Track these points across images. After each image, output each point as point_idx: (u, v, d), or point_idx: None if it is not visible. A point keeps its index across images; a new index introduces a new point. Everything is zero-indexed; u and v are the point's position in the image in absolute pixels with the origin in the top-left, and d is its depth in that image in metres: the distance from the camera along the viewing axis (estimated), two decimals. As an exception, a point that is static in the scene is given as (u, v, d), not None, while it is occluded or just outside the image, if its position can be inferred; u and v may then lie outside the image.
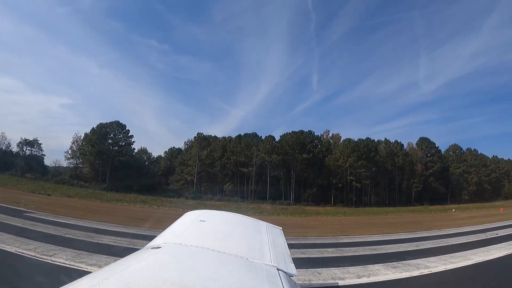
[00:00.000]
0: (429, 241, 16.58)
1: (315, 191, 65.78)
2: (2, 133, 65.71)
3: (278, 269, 2.37)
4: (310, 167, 66.91)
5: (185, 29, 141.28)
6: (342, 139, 79.36)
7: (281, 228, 4.17)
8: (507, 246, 14.54)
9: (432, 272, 9.50)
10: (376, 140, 76.14)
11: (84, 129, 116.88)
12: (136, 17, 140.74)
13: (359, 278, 8.18)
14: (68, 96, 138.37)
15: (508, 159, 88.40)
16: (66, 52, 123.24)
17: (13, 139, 79.67)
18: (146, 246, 2.62)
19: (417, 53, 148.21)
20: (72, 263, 8.33)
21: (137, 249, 2.50)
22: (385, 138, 77.72)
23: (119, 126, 67.39)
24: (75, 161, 67.63)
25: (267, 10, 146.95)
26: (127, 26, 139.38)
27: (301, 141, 68.34)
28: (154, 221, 20.22)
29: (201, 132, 73.15)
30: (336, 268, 9.11)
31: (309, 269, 8.61)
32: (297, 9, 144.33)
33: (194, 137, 71.84)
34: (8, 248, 9.51)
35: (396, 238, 18.33)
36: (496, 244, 15.37)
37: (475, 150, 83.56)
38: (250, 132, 74.63)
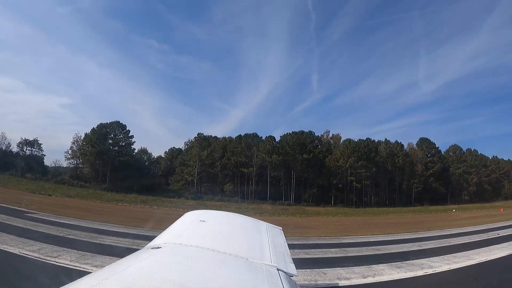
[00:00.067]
0: (432, 241, 16.61)
1: (316, 192, 65.79)
2: (2, 133, 65.71)
3: (278, 269, 2.37)
4: (310, 168, 66.93)
5: (185, 29, 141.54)
6: (342, 140, 79.53)
7: (281, 228, 4.17)
8: (509, 246, 14.59)
9: (436, 271, 9.53)
10: (376, 141, 76.29)
11: (84, 129, 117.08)
12: (136, 17, 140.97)
13: (364, 278, 8.20)
14: (68, 96, 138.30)
15: (508, 159, 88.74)
16: (66, 51, 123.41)
17: (13, 139, 79.66)
18: (146, 246, 2.62)
19: (417, 53, 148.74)
20: (77, 264, 8.29)
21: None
22: (385, 139, 77.91)
23: (119, 126, 67.33)
24: (75, 161, 67.56)
25: (267, 10, 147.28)
26: (127, 26, 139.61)
27: (301, 141, 68.37)
28: (155, 222, 20.19)
29: (201, 132, 73.20)
30: (341, 268, 9.12)
31: (314, 270, 8.62)
32: (297, 9, 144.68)
33: (195, 137, 71.84)
34: (11, 249, 9.46)
35: (398, 238, 18.35)
36: (498, 244, 15.43)
37: (475, 151, 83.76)
38: (250, 133, 74.76)
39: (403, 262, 10.61)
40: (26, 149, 64.90)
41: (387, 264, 10.12)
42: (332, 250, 13.03)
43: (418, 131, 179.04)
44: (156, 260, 2.07)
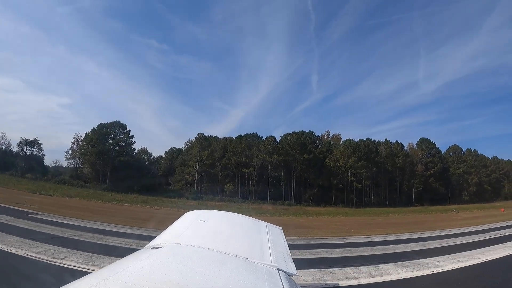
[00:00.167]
0: (435, 241, 16.67)
1: (316, 192, 65.84)
2: (2, 133, 65.59)
3: (278, 269, 2.37)
4: (310, 168, 66.98)
5: (184, 29, 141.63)
6: (342, 140, 79.61)
7: (281, 228, 4.18)
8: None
9: (443, 270, 9.57)
10: (376, 141, 76.39)
11: (84, 129, 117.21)
12: (136, 16, 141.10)
13: (372, 277, 8.21)
14: (68, 95, 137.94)
15: (508, 159, 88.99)
16: (66, 51, 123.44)
17: (13, 139, 79.60)
18: (146, 246, 2.62)
19: (417, 53, 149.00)
20: (85, 266, 8.20)
21: None
22: (386, 139, 78.00)
23: (119, 126, 67.26)
24: (75, 161, 67.47)
25: (267, 10, 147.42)
26: (127, 25, 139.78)
27: (301, 141, 68.42)
28: (158, 222, 20.15)
29: (201, 132, 73.17)
30: (348, 268, 9.14)
31: (322, 269, 8.64)
32: (297, 9, 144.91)
33: (195, 138, 71.83)
34: (17, 251, 9.35)
35: (401, 238, 18.38)
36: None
37: (475, 151, 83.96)
38: (251, 133, 74.80)
39: (409, 261, 10.63)
40: (26, 149, 64.85)
41: (393, 263, 10.14)
42: (337, 250, 13.04)
43: (418, 131, 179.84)
44: (156, 260, 2.06)
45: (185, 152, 73.76)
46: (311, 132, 73.63)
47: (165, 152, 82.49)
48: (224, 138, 75.53)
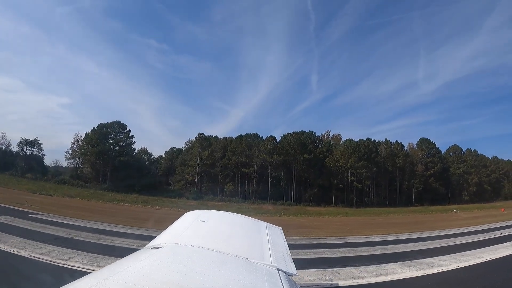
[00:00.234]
0: (437, 241, 16.71)
1: (316, 192, 65.84)
2: (2, 133, 65.48)
3: (278, 269, 2.38)
4: (311, 168, 66.99)
5: (184, 29, 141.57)
6: (342, 140, 79.64)
7: (281, 228, 4.19)
8: (514, 245, 14.69)
9: (447, 269, 9.61)
10: (376, 141, 76.40)
11: (83, 129, 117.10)
12: (136, 16, 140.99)
13: (377, 276, 8.24)
14: (68, 95, 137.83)
15: (508, 159, 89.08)
16: (66, 51, 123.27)
17: (13, 139, 79.61)
18: (146, 246, 2.63)
19: (417, 54, 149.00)
20: (90, 267, 8.11)
21: None
22: (386, 139, 78.04)
23: (120, 126, 67.18)
24: (75, 161, 67.37)
25: (267, 10, 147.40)
26: (127, 25, 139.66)
27: (302, 141, 68.42)
28: (160, 222, 20.11)
29: (201, 132, 73.11)
30: (353, 267, 9.16)
31: (327, 269, 8.65)
32: (297, 9, 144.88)
33: (195, 137, 71.77)
34: (21, 253, 9.27)
35: (403, 238, 18.41)
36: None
37: (475, 151, 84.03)
38: (251, 133, 74.76)
39: (413, 261, 10.66)
40: (26, 149, 64.73)
41: (397, 263, 10.17)
42: (340, 250, 13.07)
43: (418, 131, 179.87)
44: (156, 260, 2.07)
45: (185, 152, 73.72)
46: (311, 132, 73.71)
47: (165, 152, 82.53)
48: (225, 138, 75.50)
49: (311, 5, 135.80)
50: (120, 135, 67.34)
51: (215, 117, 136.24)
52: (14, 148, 65.47)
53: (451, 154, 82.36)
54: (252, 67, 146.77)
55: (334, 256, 11.69)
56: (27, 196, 30.72)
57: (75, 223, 17.29)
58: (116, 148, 66.70)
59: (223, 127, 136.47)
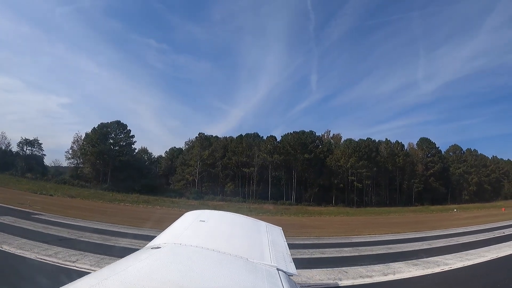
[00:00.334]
0: (440, 240, 16.74)
1: (317, 191, 65.93)
2: (2, 133, 65.35)
3: (278, 269, 2.38)
4: (311, 167, 67.06)
5: (184, 29, 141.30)
6: (343, 140, 79.73)
7: (281, 228, 4.18)
8: (517, 243, 14.74)
9: (453, 268, 9.64)
10: (377, 141, 76.56)
11: (83, 129, 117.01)
12: (136, 16, 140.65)
13: (385, 275, 8.26)
14: (68, 95, 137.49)
15: (508, 159, 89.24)
16: (66, 51, 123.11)
17: (13, 138, 79.47)
18: (146, 246, 2.62)
19: (417, 53, 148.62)
20: (98, 268, 8.00)
21: None
22: (386, 139, 78.18)
23: (120, 126, 67.11)
24: (75, 161, 67.28)
25: (267, 9, 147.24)
26: (127, 25, 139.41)
27: (302, 141, 68.47)
28: (163, 222, 20.01)
29: (201, 132, 73.22)
30: (360, 266, 9.16)
31: (335, 268, 8.66)
32: (297, 9, 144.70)
33: (196, 137, 71.82)
34: (27, 254, 9.12)
35: (406, 237, 18.42)
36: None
37: (475, 151, 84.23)
38: (251, 132, 74.85)
39: (418, 259, 10.67)
40: (26, 149, 64.66)
41: (403, 262, 10.18)
42: (345, 249, 13.08)
43: (418, 131, 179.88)
44: (156, 260, 2.07)
45: (186, 152, 73.71)
46: (311, 132, 73.75)
47: (166, 152, 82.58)
48: (225, 138, 75.54)
49: (311, 5, 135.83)
50: (120, 135, 67.30)
51: (215, 117, 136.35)
52: (14, 148, 65.53)
53: (451, 154, 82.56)
54: (251, 67, 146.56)
55: (340, 255, 11.68)
56: (28, 196, 30.61)
57: (78, 224, 17.21)
58: (116, 148, 66.64)
59: (223, 127, 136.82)
